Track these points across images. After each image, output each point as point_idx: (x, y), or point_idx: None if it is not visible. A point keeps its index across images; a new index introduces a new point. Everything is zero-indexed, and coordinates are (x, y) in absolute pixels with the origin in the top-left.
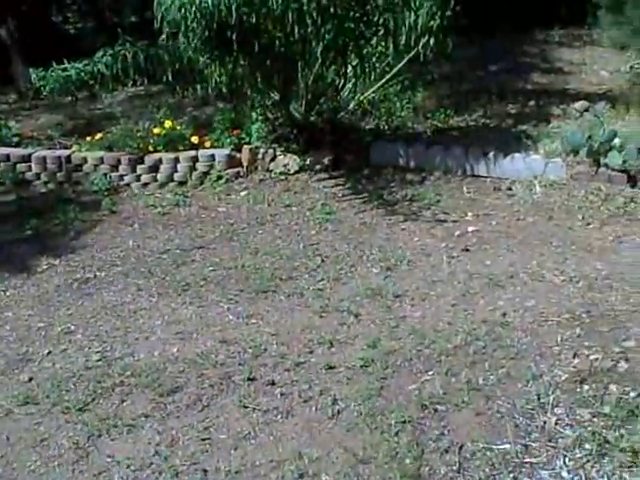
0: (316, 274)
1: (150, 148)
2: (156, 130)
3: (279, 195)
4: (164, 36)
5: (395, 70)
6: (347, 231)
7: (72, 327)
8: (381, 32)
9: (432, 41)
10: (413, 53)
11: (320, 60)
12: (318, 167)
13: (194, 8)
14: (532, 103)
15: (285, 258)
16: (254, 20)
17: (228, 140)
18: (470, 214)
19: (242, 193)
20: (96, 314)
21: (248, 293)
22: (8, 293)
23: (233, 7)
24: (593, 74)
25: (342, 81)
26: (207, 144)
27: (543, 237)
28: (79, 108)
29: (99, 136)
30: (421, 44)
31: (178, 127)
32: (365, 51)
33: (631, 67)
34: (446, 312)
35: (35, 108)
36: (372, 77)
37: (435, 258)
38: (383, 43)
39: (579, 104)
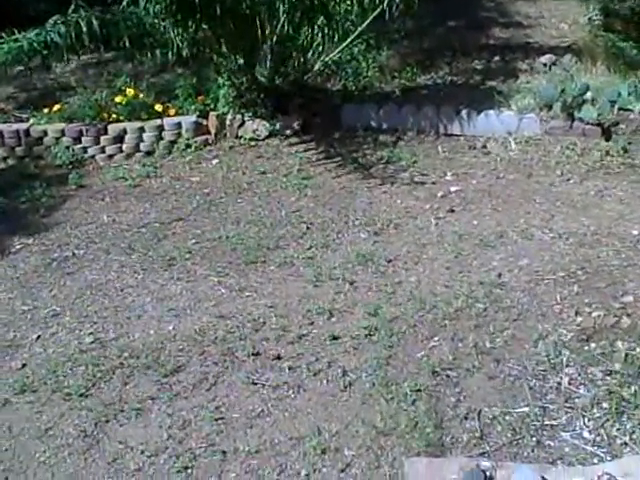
0: (303, 242)
1: (112, 118)
2: (118, 99)
3: (252, 162)
4: (124, 3)
5: (360, 29)
6: (327, 196)
7: (58, 309)
8: None
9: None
10: (378, 11)
11: (286, 20)
12: (288, 132)
13: None
14: (497, 58)
15: (269, 226)
16: None
17: (193, 107)
18: (449, 174)
19: (214, 161)
20: (81, 294)
21: (237, 265)
22: None
23: None
24: (553, 27)
25: (308, 42)
26: (171, 112)
27: (526, 195)
28: (31, 79)
29: (57, 107)
30: (386, 1)
31: (141, 95)
32: (331, 9)
33: (589, 19)
34: (441, 275)
35: None
36: (337, 37)
37: (421, 220)
38: (347, 1)
39: (546, 58)
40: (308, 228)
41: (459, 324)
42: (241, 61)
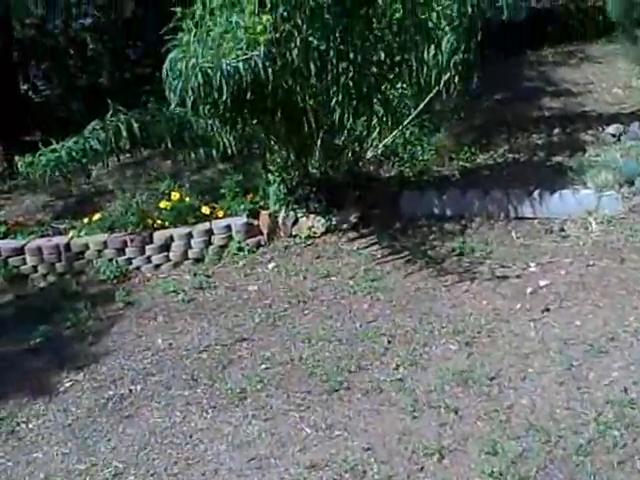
0: (387, 359)
1: (157, 224)
2: (162, 204)
3: (311, 263)
4: (173, 105)
5: (416, 111)
6: (403, 300)
7: (120, 466)
8: (404, 72)
9: (456, 77)
10: (435, 92)
11: (340, 111)
12: (345, 226)
13: (219, 74)
14: (557, 131)
15: (345, 343)
16: (272, 76)
17: (242, 206)
18: (532, 265)
19: (269, 265)
20: (145, 444)
21: (318, 394)
22: (32, 425)
23: (269, 70)
24: (605, 92)
25: (364, 130)
26: (220, 213)
27: (625, 285)
28: (66, 184)
29: (97, 216)
30: (443, 81)
31: (186, 198)
32: (389, 95)
33: None
34: (557, 394)
35: (16, 189)
36: (392, 122)
37: (516, 324)
38: (404, 85)
39: (613, 128)
40: (389, 342)
41: (597, 460)
42: (292, 156)
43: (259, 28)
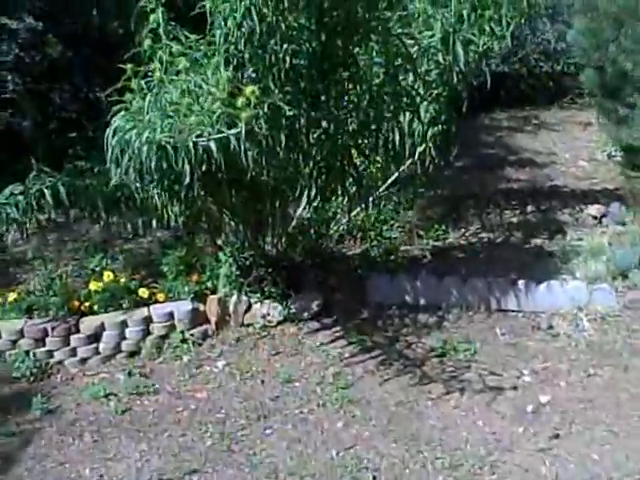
0: None
1: (84, 308)
2: (92, 285)
3: (269, 362)
4: (114, 179)
5: (386, 185)
6: (384, 419)
7: None
8: (379, 143)
9: (432, 150)
10: (407, 164)
11: (308, 186)
12: (306, 315)
13: (183, 153)
14: (530, 208)
15: (320, 478)
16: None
17: (186, 288)
18: (526, 372)
19: (219, 363)
20: None
21: None
22: None
23: (248, 151)
24: (570, 164)
25: (333, 208)
26: (160, 297)
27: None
28: None
29: (12, 296)
30: (417, 153)
31: (121, 278)
32: (360, 168)
33: (609, 155)
34: None
35: None
36: (362, 195)
37: (522, 455)
38: (376, 157)
39: (594, 209)
40: (374, 478)
41: None
42: (248, 233)
43: (240, 102)
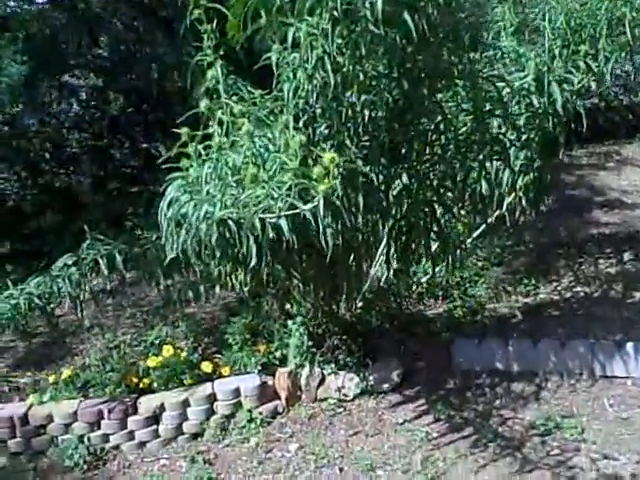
0: None
1: (143, 384)
2: (151, 361)
3: (347, 444)
4: (170, 256)
5: (470, 239)
6: None
7: None
8: (464, 196)
9: (524, 200)
10: (496, 215)
11: (387, 247)
12: (386, 386)
13: (248, 232)
14: (628, 256)
15: None
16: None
17: (253, 360)
18: None
19: (291, 447)
20: None
21: None
22: None
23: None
24: None
25: (412, 266)
26: (225, 371)
27: None
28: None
29: (66, 373)
30: (506, 204)
31: (182, 352)
32: (444, 224)
33: None
34: None
35: None
36: (446, 252)
37: None
38: (461, 210)
39: None
40: None
41: None
42: (320, 299)
43: (316, 171)
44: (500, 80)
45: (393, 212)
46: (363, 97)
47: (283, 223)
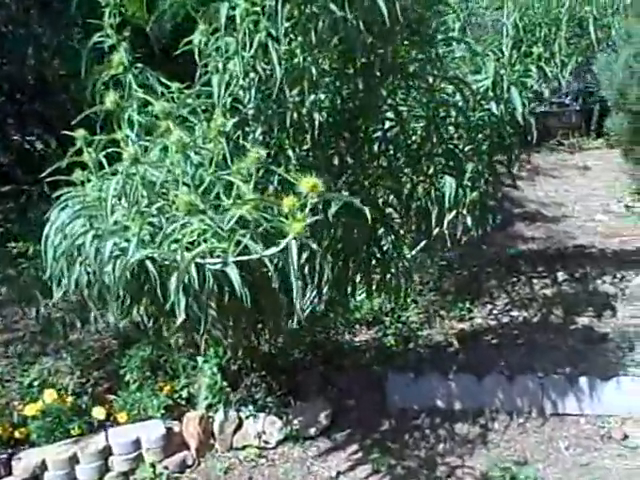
0: None
1: (20, 433)
2: (29, 409)
3: None
4: (57, 295)
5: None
6: None
7: None
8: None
9: (468, 218)
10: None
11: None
12: (313, 430)
13: (176, 282)
14: (562, 275)
15: None
16: None
17: (155, 402)
18: None
19: None
20: None
21: None
22: None
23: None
24: (585, 217)
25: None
26: (121, 416)
27: None
28: None
29: None
30: (446, 222)
31: (68, 397)
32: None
33: (627, 206)
34: None
35: None
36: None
37: None
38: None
39: None
40: None
41: None
42: (238, 332)
43: (288, 203)
44: (460, 82)
45: (330, 233)
46: (312, 97)
47: (232, 273)
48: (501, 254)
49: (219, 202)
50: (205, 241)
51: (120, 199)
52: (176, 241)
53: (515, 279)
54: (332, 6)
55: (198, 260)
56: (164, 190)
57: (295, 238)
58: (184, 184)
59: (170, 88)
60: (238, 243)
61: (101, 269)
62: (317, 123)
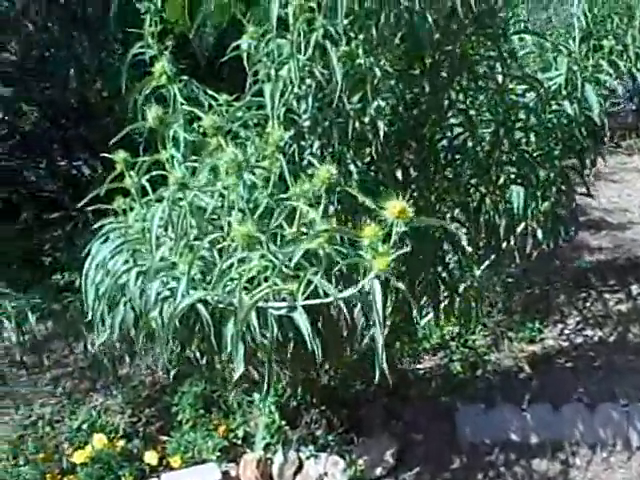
0: None
1: None
2: (78, 456)
3: None
4: (100, 339)
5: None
6: None
7: None
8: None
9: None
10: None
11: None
12: (379, 470)
13: (233, 329)
14: (635, 288)
15: None
16: None
17: (210, 443)
18: None
19: None
20: None
21: None
22: None
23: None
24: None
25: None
26: (174, 460)
27: None
28: None
29: None
30: (516, 235)
31: (119, 442)
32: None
33: None
34: None
35: None
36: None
37: None
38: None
39: None
40: None
41: None
42: (299, 370)
43: (369, 233)
44: (533, 80)
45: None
46: (375, 103)
47: (301, 319)
48: (567, 267)
49: (280, 230)
50: (266, 280)
51: (166, 229)
52: (232, 279)
53: (585, 294)
54: None
55: (261, 304)
56: (214, 216)
57: (378, 276)
58: (240, 210)
59: (218, 101)
60: (308, 283)
61: (147, 313)
62: (382, 133)
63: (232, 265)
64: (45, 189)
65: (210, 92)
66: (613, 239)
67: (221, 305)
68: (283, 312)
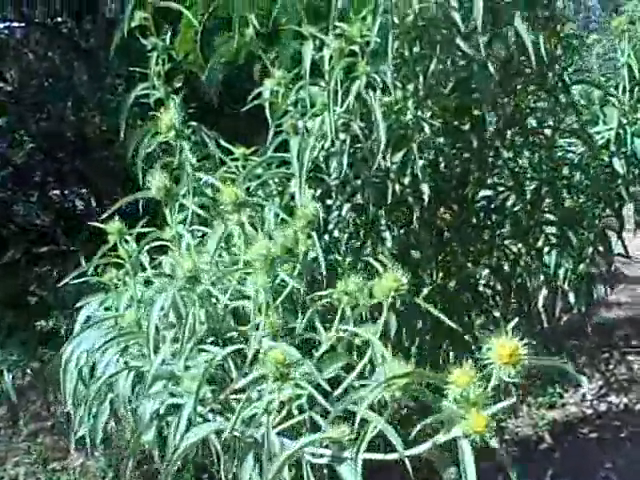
0: None
1: None
2: None
3: None
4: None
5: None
6: None
7: None
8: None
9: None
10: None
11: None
12: None
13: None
14: None
15: None
16: None
17: None
18: None
19: None
20: None
21: None
22: None
23: None
24: None
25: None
26: None
27: None
28: None
29: None
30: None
31: None
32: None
33: None
34: None
35: None
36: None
37: None
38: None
39: None
40: None
41: None
42: None
43: (472, 380)
44: (584, 135)
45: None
46: (420, 162)
47: (351, 476)
48: (585, 324)
49: (312, 335)
50: (301, 411)
51: (166, 315)
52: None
53: (606, 354)
54: (459, 41)
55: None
56: (228, 315)
57: (467, 435)
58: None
59: (233, 154)
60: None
61: (139, 434)
62: (426, 196)
63: (262, 395)
64: (35, 222)
65: (222, 142)
66: (631, 293)
67: (236, 434)
68: (324, 461)
